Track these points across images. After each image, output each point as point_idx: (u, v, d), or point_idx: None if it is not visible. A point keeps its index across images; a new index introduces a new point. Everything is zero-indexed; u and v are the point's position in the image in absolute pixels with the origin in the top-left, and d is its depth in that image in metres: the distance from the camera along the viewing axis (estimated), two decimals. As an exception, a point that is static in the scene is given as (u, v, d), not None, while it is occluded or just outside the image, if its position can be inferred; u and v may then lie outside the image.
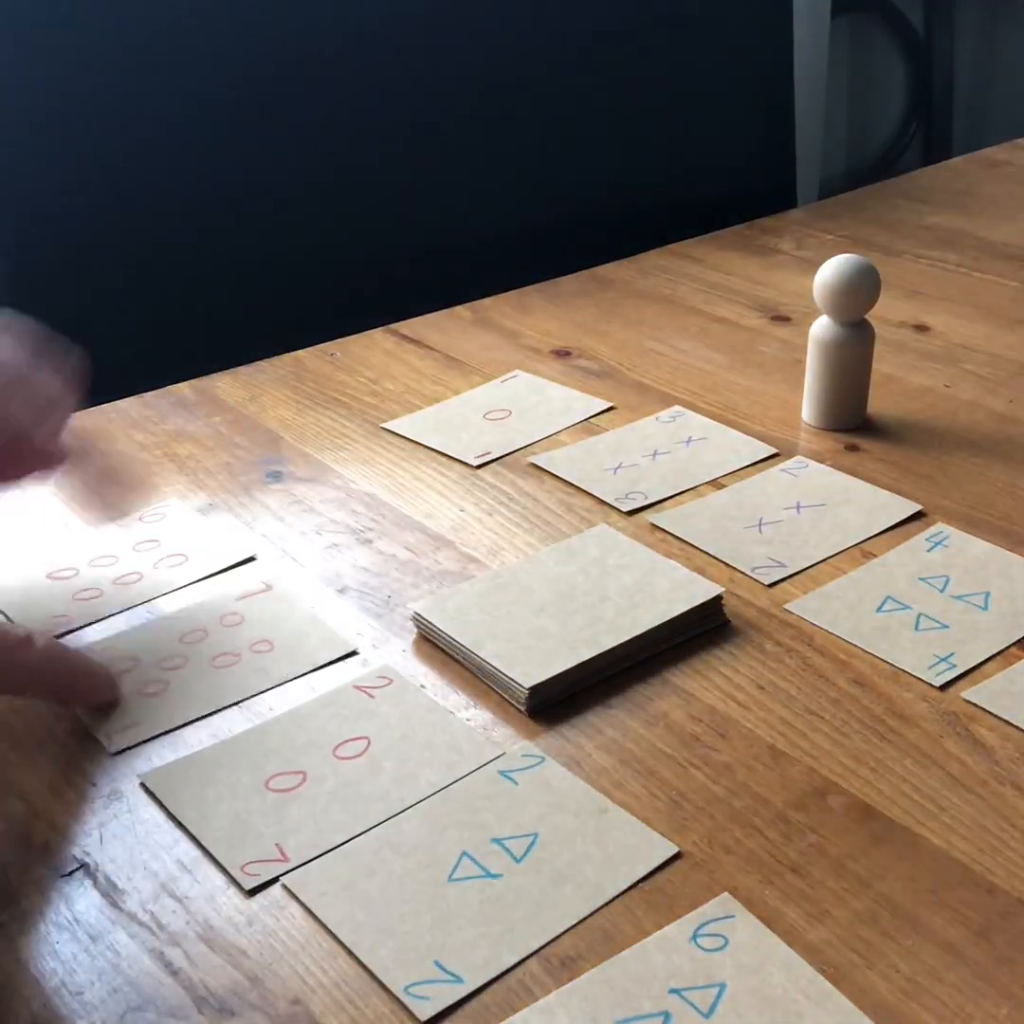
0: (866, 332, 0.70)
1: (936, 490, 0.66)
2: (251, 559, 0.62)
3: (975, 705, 0.50)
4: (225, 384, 0.80)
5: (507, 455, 0.71)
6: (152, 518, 0.65)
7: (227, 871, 0.43)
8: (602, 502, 0.66)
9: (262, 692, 0.52)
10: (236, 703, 0.52)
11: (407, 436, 0.73)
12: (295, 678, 0.53)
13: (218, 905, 0.42)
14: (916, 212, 1.09)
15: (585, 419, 0.74)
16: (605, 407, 0.75)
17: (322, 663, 0.54)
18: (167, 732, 0.50)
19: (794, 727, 0.50)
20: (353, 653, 0.54)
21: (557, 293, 0.94)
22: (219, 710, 0.51)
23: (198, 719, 0.51)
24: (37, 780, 0.48)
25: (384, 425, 0.74)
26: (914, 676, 0.52)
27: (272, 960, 0.40)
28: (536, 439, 0.72)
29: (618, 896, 0.42)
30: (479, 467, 0.70)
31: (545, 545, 0.61)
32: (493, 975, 0.39)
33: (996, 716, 0.50)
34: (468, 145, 1.05)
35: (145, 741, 0.50)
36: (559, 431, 0.73)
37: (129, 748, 0.49)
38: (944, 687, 0.51)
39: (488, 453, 0.71)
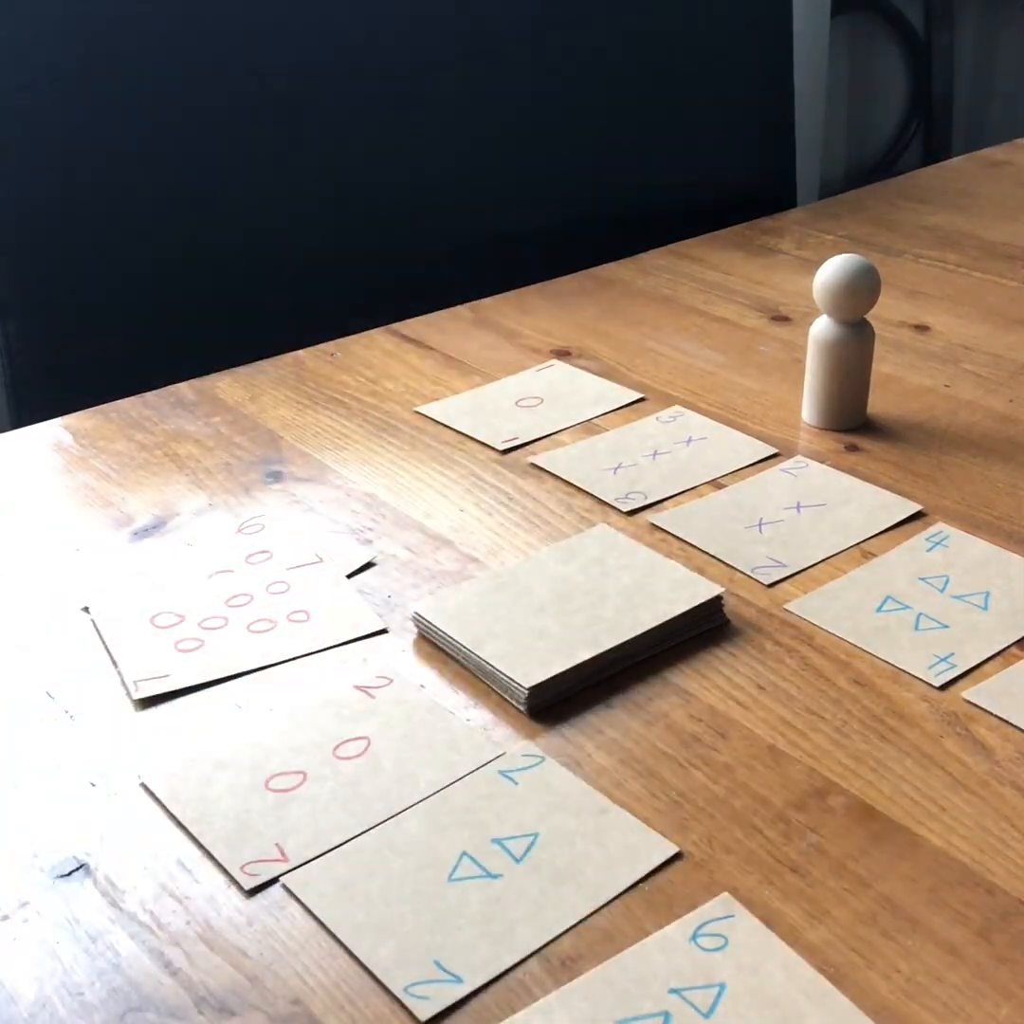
0: (866, 332, 0.70)
1: (936, 490, 0.66)
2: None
3: (975, 705, 0.50)
4: (225, 384, 0.80)
5: (534, 441, 0.72)
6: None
7: (227, 871, 0.43)
8: (602, 502, 0.66)
9: (286, 661, 0.54)
10: (259, 669, 0.53)
11: (438, 420, 0.74)
12: (320, 651, 0.54)
13: (218, 905, 0.42)
14: (916, 212, 1.09)
15: (615, 409, 0.75)
16: (636, 398, 0.76)
17: (348, 639, 0.55)
18: (195, 687, 0.52)
19: (794, 727, 0.50)
20: (383, 631, 0.56)
21: (557, 293, 0.94)
22: (240, 674, 0.53)
23: (218, 682, 0.53)
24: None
25: (417, 409, 0.76)
26: (914, 676, 0.52)
27: (272, 960, 0.40)
28: (564, 426, 0.73)
29: (618, 896, 0.42)
30: (506, 452, 0.70)
31: (545, 545, 0.61)
32: (493, 975, 0.39)
33: (996, 716, 0.50)
34: (469, 146, 1.05)
35: (170, 696, 0.52)
36: (588, 419, 0.74)
37: (153, 697, 0.52)
38: (944, 687, 0.51)
39: (515, 438, 0.72)
